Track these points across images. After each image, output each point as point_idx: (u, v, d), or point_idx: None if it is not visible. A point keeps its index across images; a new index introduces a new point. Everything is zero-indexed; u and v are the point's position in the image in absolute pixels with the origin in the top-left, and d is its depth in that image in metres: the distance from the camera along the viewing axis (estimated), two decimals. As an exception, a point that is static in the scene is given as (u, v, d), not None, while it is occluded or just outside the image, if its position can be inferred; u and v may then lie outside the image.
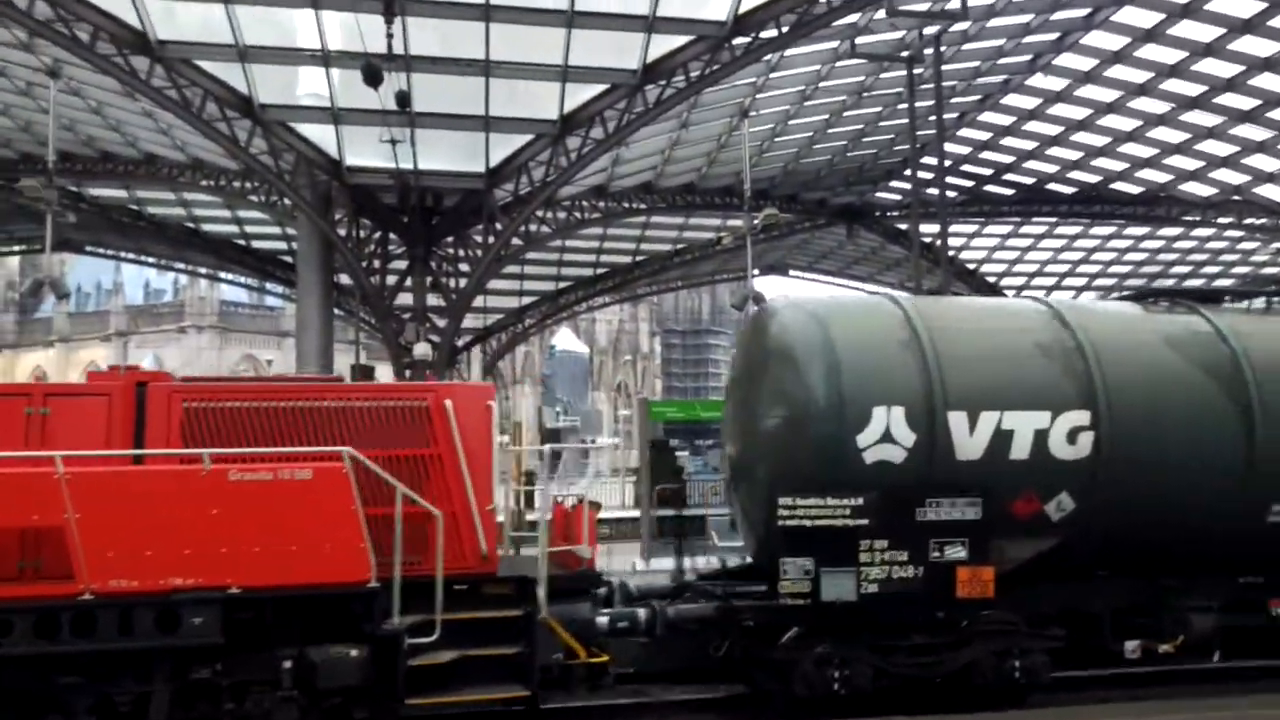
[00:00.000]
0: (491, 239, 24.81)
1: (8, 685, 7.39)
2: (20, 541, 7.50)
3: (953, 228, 32.24)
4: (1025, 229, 37.30)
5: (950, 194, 29.25)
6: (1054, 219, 35.49)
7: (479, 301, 30.06)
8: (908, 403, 8.85)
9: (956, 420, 8.90)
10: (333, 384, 9.39)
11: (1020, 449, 9.01)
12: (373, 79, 17.39)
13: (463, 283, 25.32)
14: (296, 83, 23.19)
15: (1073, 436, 9.12)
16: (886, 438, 8.80)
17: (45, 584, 7.39)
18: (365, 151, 23.63)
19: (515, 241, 26.25)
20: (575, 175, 24.01)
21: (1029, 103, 27.80)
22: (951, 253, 32.18)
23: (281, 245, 34.32)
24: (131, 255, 39.64)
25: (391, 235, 25.61)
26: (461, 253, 25.83)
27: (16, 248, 38.92)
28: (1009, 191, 33.46)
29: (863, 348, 9.12)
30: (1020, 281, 41.64)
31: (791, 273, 42.86)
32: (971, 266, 39.77)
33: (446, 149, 23.72)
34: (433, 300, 25.44)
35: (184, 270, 43.43)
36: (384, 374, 41.46)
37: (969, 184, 32.93)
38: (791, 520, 8.74)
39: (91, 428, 8.07)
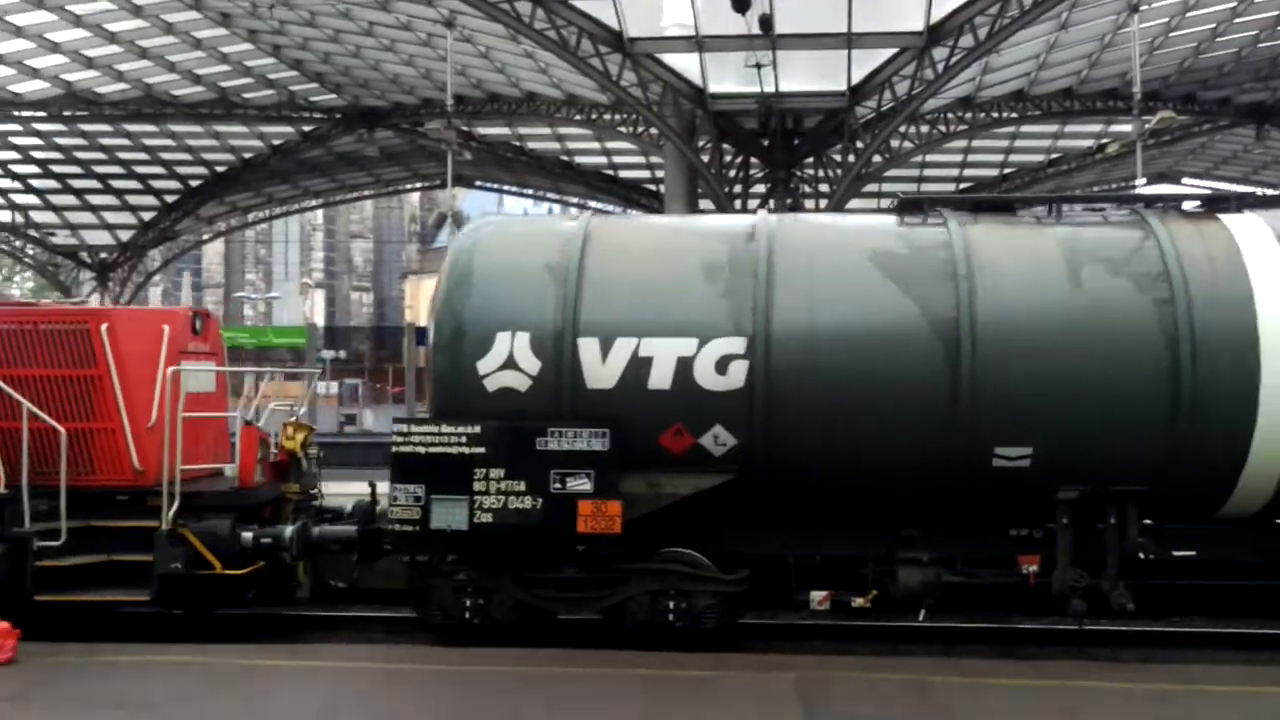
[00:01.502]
0: (852, 158, 24.42)
1: None
2: None
3: (1394, 122, 27.61)
4: None
5: (1393, 82, 25.01)
6: None
7: (837, 223, 29.69)
8: (534, 328, 8.41)
9: (587, 347, 8.32)
10: None
11: (660, 378, 8.25)
12: (741, 4, 17.54)
13: (823, 204, 25.17)
14: (662, 14, 23.88)
15: (723, 365, 8.21)
16: (510, 364, 8.41)
17: None
18: (727, 78, 23.97)
19: (876, 159, 25.65)
20: (942, 87, 22.98)
21: None
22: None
23: (646, 174, 35.80)
24: (513, 188, 42.99)
25: (752, 159, 25.89)
26: (822, 174, 25.66)
27: (420, 184, 43.43)
28: None
29: (502, 271, 8.73)
30: None
31: (1185, 180, 38.69)
32: None
33: (807, 69, 23.52)
34: (793, 223, 25.52)
35: (558, 200, 46.50)
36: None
37: None
38: (406, 447, 8.47)
39: None
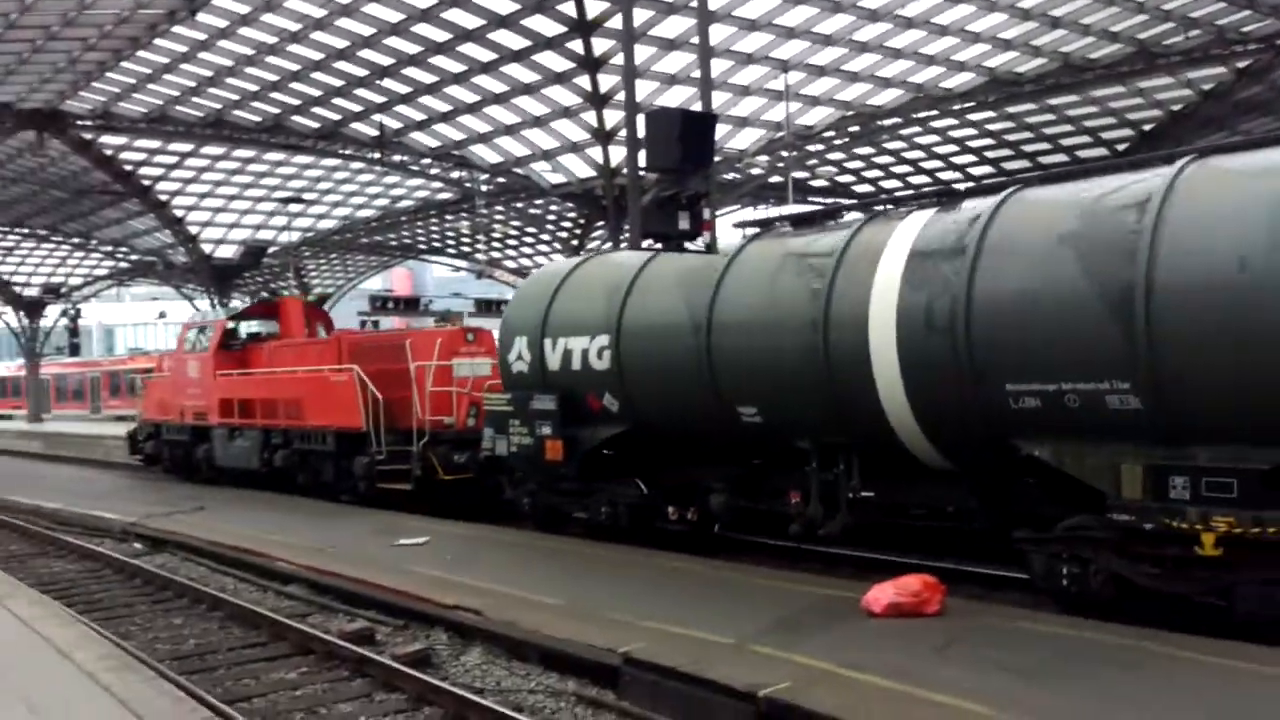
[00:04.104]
0: None
1: None
2: None
3: None
4: None
5: None
6: None
7: None
8: (528, 333, 13.85)
9: (548, 344, 13.54)
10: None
11: (576, 362, 13.11)
12: None
13: None
14: None
15: (601, 353, 12.74)
16: (519, 357, 13.99)
17: None
18: None
19: None
20: None
21: None
22: None
23: None
24: None
25: None
26: None
27: None
28: None
29: (528, 297, 14.47)
30: None
31: None
32: None
33: None
34: None
35: None
36: None
37: None
38: (488, 406, 14.99)
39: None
